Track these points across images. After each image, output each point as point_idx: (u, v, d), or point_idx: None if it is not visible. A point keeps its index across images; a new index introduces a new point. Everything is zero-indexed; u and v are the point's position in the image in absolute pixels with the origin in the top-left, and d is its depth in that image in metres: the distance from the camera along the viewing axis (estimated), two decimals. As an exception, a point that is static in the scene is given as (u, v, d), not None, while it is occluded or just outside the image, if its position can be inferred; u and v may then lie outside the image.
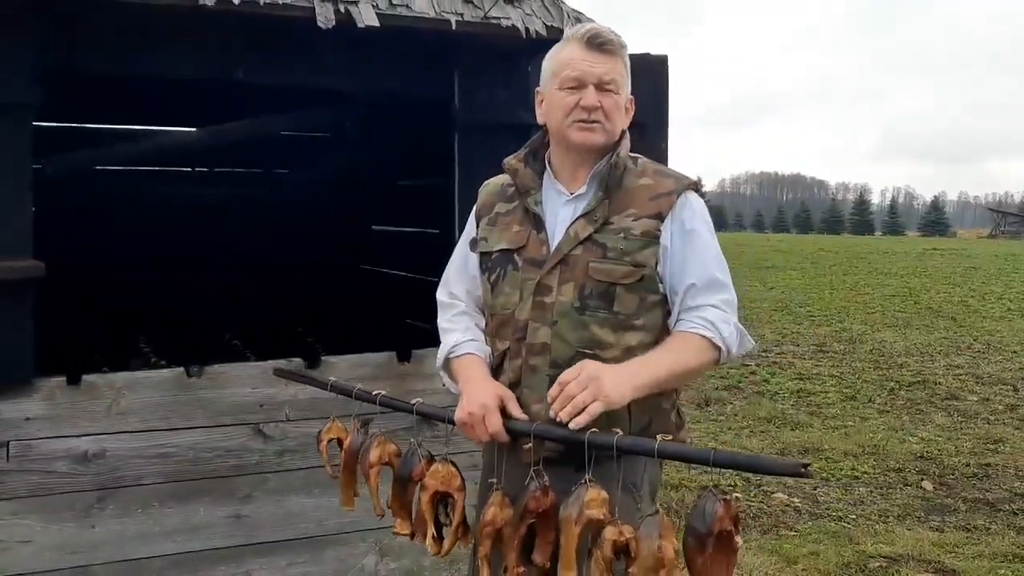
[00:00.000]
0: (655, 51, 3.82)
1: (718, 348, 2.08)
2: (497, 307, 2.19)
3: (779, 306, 15.56)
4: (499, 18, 3.54)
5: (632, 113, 2.22)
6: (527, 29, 3.54)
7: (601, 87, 2.10)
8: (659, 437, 1.86)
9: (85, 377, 3.29)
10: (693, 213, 2.13)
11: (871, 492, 5.67)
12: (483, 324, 2.28)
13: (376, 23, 3.27)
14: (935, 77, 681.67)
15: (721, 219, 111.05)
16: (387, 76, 3.75)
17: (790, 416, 7.65)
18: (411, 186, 5.41)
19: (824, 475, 5.95)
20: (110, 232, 5.56)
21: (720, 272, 2.13)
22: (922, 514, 5.30)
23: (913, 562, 4.46)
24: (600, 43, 2.11)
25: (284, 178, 6.47)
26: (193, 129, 5.73)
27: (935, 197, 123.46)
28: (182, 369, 3.45)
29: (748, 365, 9.88)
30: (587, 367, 1.96)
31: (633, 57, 3.71)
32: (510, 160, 2.24)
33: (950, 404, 8.19)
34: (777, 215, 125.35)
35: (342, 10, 3.24)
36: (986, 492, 5.69)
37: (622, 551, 1.78)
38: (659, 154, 3.58)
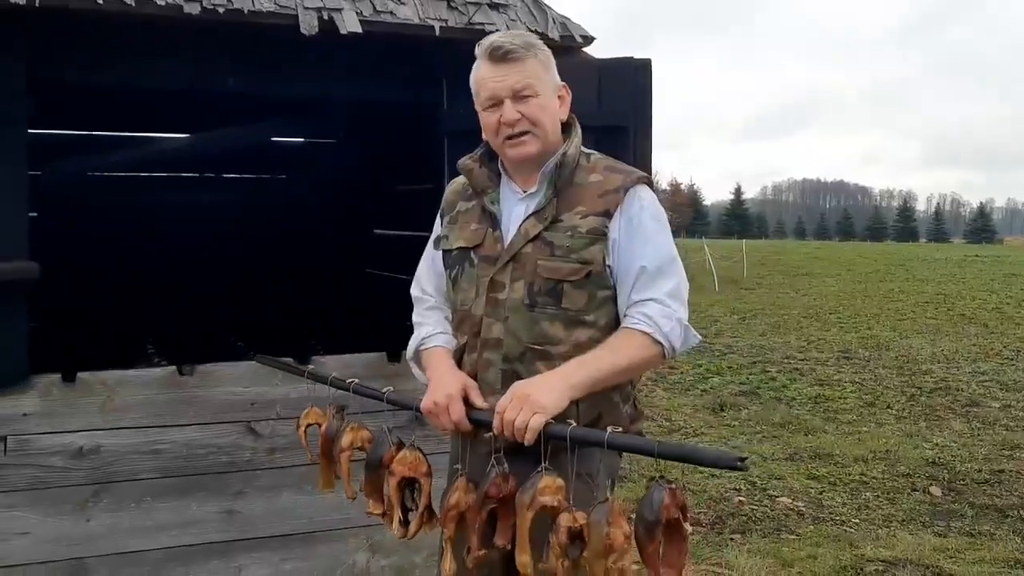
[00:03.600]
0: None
1: (660, 343, 2.09)
2: (457, 303, 2.25)
3: (809, 313, 15.43)
4: (483, 24, 3.61)
5: (568, 99, 2.22)
6: (511, 35, 3.60)
7: (517, 97, 2.10)
8: (609, 428, 1.91)
9: (80, 375, 3.40)
10: (641, 206, 2.14)
11: (877, 497, 5.62)
12: (447, 314, 2.34)
13: (359, 30, 3.34)
14: (986, 83, 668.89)
15: (762, 226, 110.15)
16: (376, 83, 3.84)
17: (805, 421, 7.61)
18: (407, 191, 5.49)
19: (831, 480, 5.92)
20: (117, 238, 5.72)
21: (666, 263, 2.13)
22: (927, 519, 5.25)
23: (911, 566, 4.42)
24: (503, 54, 2.10)
25: (286, 184, 6.61)
26: (185, 135, 5.89)
27: (981, 204, 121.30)
28: (174, 368, 3.55)
29: (768, 371, 9.85)
30: (514, 389, 2.00)
31: (615, 61, 3.78)
32: (465, 160, 2.29)
33: (970, 410, 8.09)
34: (819, 222, 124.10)
35: (325, 17, 3.32)
36: (996, 498, 5.61)
37: (577, 537, 1.84)
38: (642, 157, 3.60)
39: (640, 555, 1.78)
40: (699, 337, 2.21)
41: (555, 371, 2.05)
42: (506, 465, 1.99)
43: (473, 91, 2.20)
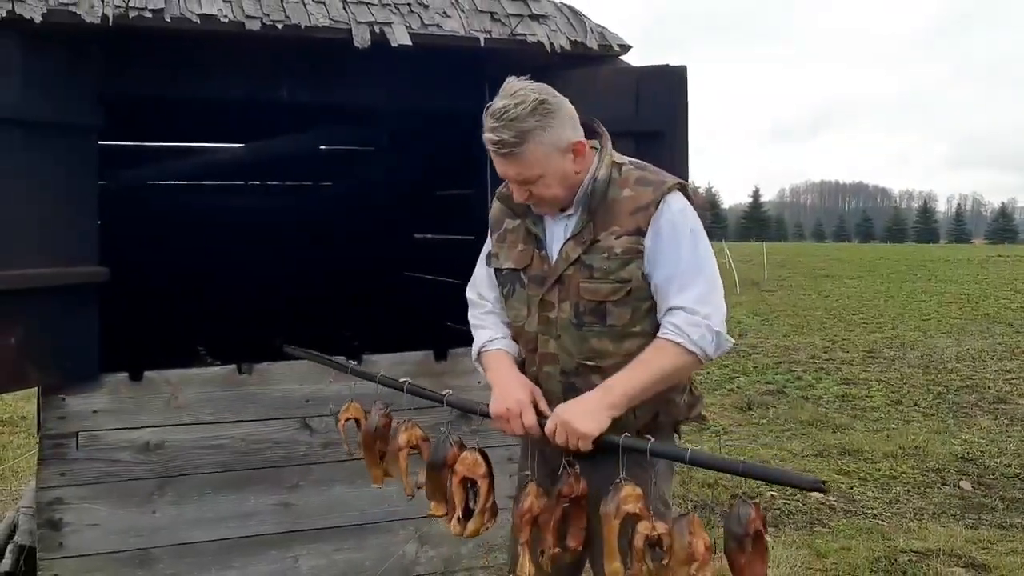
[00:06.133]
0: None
1: (691, 352, 2.14)
2: (511, 318, 2.38)
3: (832, 314, 15.47)
4: (525, 35, 3.76)
5: (585, 149, 2.21)
6: (552, 44, 3.75)
7: (520, 184, 2.19)
8: (689, 448, 2.08)
9: (146, 373, 3.57)
10: (670, 215, 2.18)
11: (908, 491, 5.72)
12: (504, 318, 2.45)
13: (408, 42, 3.50)
14: (1009, 86, 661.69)
15: (780, 229, 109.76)
16: (421, 91, 3.99)
17: (832, 419, 7.70)
18: (448, 196, 5.65)
19: (862, 475, 6.01)
20: (169, 243, 5.94)
21: (691, 269, 2.17)
22: (958, 512, 5.34)
23: (944, 557, 4.51)
24: (499, 152, 2.14)
25: (330, 191, 6.82)
26: (240, 145, 6.10)
27: (1003, 203, 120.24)
28: (234, 366, 3.71)
29: (794, 371, 9.93)
30: (556, 416, 2.14)
31: (652, 68, 3.92)
32: (503, 189, 2.37)
33: (998, 408, 8.16)
34: (838, 224, 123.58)
35: (377, 31, 3.49)
36: (1026, 492, 5.71)
37: (656, 544, 1.99)
38: (678, 161, 3.72)
39: (731, 567, 1.92)
40: (731, 341, 2.25)
41: (594, 393, 2.15)
42: (577, 467, 2.13)
43: None
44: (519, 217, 2.33)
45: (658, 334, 2.18)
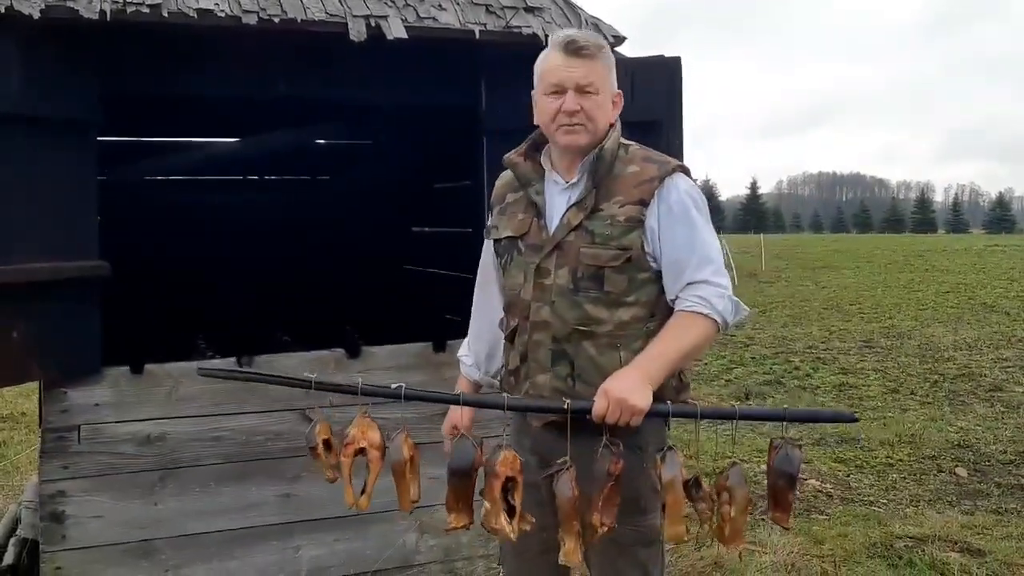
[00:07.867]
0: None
1: (716, 321, 2.24)
2: (508, 288, 2.43)
3: (829, 304, 15.53)
4: (520, 27, 3.78)
5: (620, 106, 2.35)
6: (547, 36, 3.77)
7: (580, 90, 2.23)
8: (736, 406, 2.12)
9: (147, 366, 3.59)
10: (679, 194, 2.27)
11: (904, 478, 5.76)
12: (495, 317, 2.50)
13: (404, 35, 3.52)
14: (1010, 80, 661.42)
15: (778, 220, 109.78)
16: (417, 85, 4.01)
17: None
18: (445, 189, 5.68)
19: (858, 463, 6.05)
20: (169, 237, 5.98)
21: (709, 245, 2.27)
22: (954, 498, 5.38)
23: (940, 542, 4.54)
24: (576, 48, 2.23)
25: (328, 185, 6.86)
26: (235, 139, 6.15)
27: (1000, 193, 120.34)
28: (234, 359, 3.73)
29: (791, 361, 9.98)
30: (608, 393, 2.12)
31: (647, 59, 3.94)
32: (510, 155, 2.44)
33: (994, 395, 8.21)
34: (836, 216, 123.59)
35: (373, 24, 3.51)
36: (1021, 478, 5.74)
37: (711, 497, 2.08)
38: (674, 150, 3.76)
39: (779, 505, 2.04)
40: (747, 309, 2.36)
41: (635, 368, 2.18)
42: (620, 445, 2.12)
43: (537, 76, 2.33)
44: (523, 187, 2.39)
45: (681, 307, 2.24)
